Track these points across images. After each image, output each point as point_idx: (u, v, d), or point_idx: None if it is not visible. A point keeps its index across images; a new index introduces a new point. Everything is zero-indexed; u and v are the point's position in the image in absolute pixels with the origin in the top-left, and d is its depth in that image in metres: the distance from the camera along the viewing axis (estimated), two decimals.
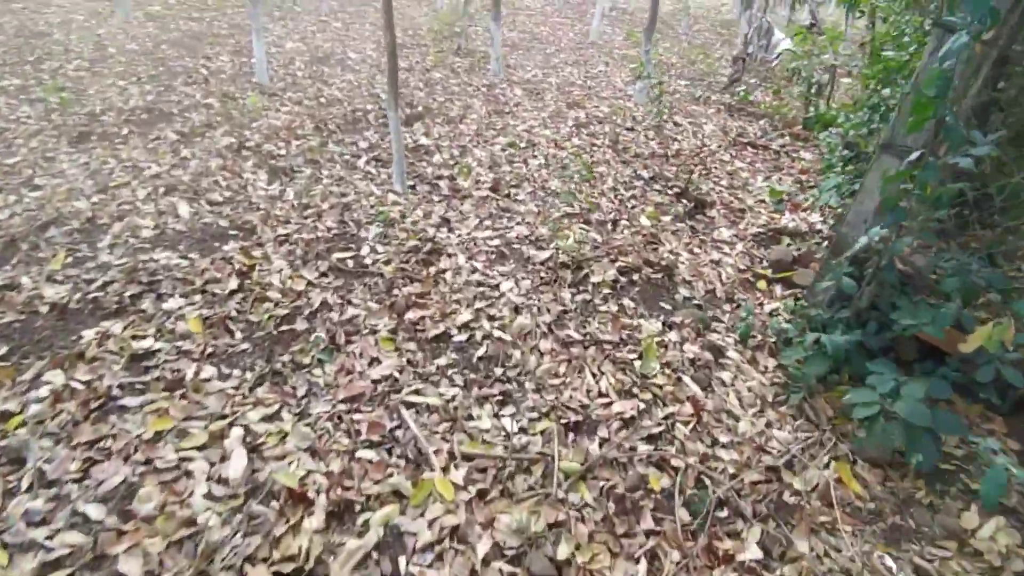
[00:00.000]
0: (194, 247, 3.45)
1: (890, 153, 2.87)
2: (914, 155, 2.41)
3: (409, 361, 2.73)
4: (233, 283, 3.11)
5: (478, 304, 3.14)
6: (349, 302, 3.09)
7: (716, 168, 5.34)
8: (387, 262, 3.46)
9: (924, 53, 2.79)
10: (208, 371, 2.55)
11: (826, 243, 4.04)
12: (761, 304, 3.50)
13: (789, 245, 4.04)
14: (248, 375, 2.56)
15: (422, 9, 13.64)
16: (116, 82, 6.17)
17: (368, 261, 3.46)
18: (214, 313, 2.88)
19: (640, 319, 3.17)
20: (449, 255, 3.57)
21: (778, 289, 3.65)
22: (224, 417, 2.33)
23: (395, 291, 3.21)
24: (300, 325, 2.89)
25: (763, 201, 4.71)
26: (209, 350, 2.67)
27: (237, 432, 2.25)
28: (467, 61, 8.63)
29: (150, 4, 10.46)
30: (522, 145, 5.44)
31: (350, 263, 3.44)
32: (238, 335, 2.80)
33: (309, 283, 3.22)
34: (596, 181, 4.79)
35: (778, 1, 8.36)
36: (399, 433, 2.34)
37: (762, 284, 3.69)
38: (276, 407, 2.40)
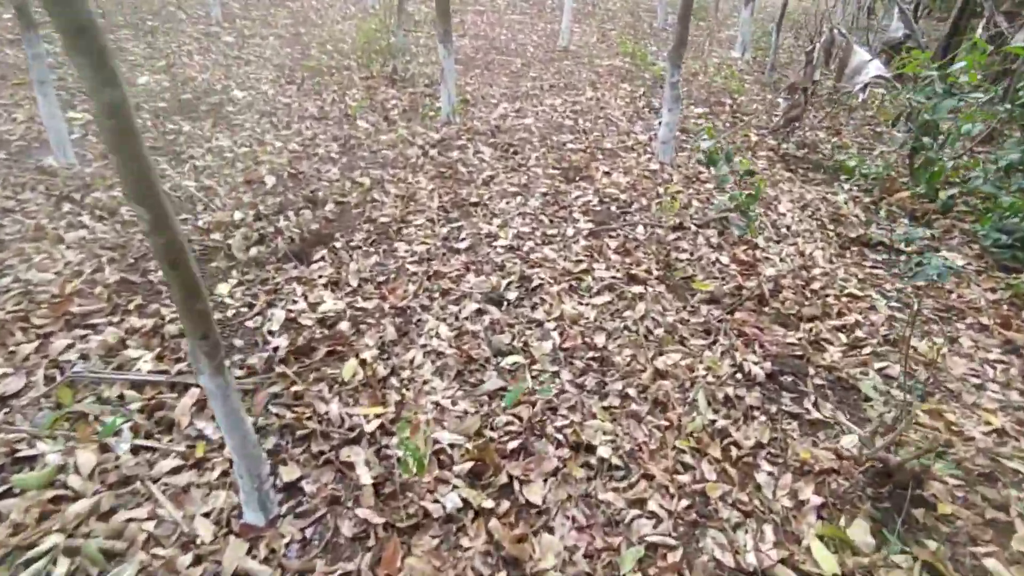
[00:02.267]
0: None
1: None
2: None
3: None
4: None
5: None
6: None
7: (851, 317, 3.02)
8: None
9: None
10: None
11: None
12: None
13: None
14: None
15: (348, 7, 10.92)
16: None
17: None
18: None
19: None
20: None
21: None
22: None
23: None
24: None
25: (993, 429, 2.42)
26: None
27: None
28: (406, 95, 6.08)
29: None
30: (511, 293, 3.01)
31: None
32: None
33: None
34: (673, 403, 2.40)
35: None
36: None
37: None
38: None
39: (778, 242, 3.73)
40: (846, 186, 4.70)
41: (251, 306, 2.83)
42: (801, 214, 4.14)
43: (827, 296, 3.19)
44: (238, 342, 2.61)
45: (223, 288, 2.94)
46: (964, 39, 6.94)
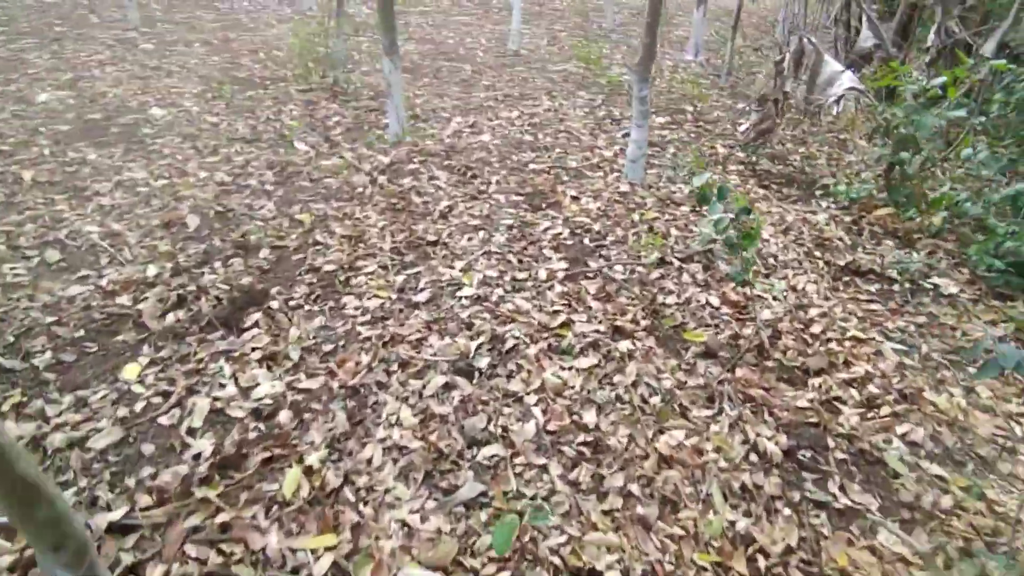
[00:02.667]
0: None
1: None
2: None
3: None
4: None
5: None
6: None
7: (860, 368, 2.73)
8: None
9: None
10: None
11: None
12: None
13: None
14: None
15: (283, 9, 10.19)
16: None
17: None
18: None
19: None
20: None
21: None
22: None
23: None
24: None
25: None
26: None
27: None
28: (349, 111, 5.56)
29: None
30: (483, 359, 2.58)
31: None
32: None
33: None
34: (685, 500, 2.03)
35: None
36: None
37: None
38: None
39: (767, 275, 3.43)
40: (823, 203, 4.48)
41: (166, 395, 2.31)
42: (785, 239, 3.87)
43: (829, 342, 2.90)
44: (148, 448, 2.09)
45: (131, 371, 2.40)
46: (911, 48, 6.88)
